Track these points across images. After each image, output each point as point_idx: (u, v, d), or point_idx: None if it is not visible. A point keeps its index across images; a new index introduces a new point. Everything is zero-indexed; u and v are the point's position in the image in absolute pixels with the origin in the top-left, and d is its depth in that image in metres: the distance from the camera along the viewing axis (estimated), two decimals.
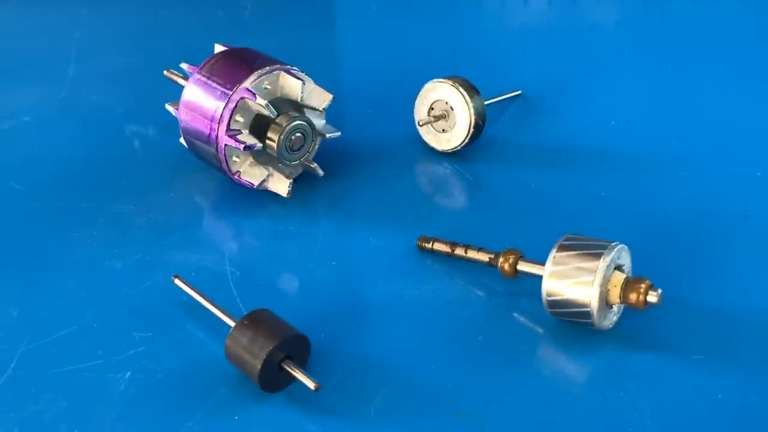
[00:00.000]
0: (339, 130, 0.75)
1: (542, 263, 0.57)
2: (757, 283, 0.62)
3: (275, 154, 0.71)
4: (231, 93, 0.69)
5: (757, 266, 0.64)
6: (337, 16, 1.26)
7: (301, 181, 0.76)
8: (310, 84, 0.73)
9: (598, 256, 0.54)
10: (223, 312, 0.57)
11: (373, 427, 0.51)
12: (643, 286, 0.54)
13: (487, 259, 0.62)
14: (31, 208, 0.75)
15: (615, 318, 0.57)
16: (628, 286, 0.55)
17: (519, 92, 0.92)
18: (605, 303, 0.55)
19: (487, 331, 0.59)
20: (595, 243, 0.56)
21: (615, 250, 0.55)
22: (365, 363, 0.56)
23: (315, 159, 0.75)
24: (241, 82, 0.69)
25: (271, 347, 0.51)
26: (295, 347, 0.53)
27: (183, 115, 0.73)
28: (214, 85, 0.71)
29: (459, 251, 0.64)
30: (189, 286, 0.60)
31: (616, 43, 1.11)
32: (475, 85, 0.78)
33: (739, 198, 0.73)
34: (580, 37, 1.13)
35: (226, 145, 0.69)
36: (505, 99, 0.90)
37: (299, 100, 0.71)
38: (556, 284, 0.55)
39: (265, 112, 0.70)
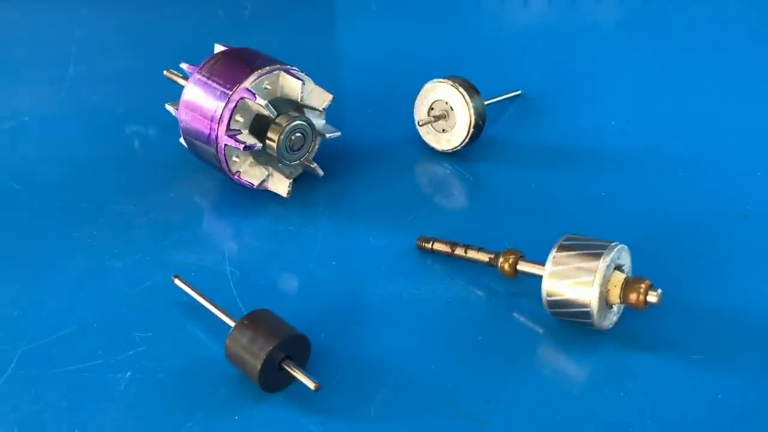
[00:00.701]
0: (339, 130, 0.75)
1: (542, 263, 0.57)
2: (757, 283, 0.62)
3: (275, 154, 0.71)
4: (231, 93, 0.69)
5: (757, 266, 0.64)
6: (337, 16, 1.25)
7: (301, 181, 0.76)
8: (310, 84, 0.73)
9: (598, 256, 0.54)
10: (223, 312, 0.57)
11: (373, 427, 0.51)
12: (643, 286, 0.54)
13: (487, 259, 0.62)
14: (31, 208, 0.75)
15: (615, 318, 0.57)
16: (628, 286, 0.55)
17: (519, 92, 0.92)
18: (605, 303, 0.55)
19: (487, 331, 0.59)
20: (595, 243, 0.56)
21: (615, 250, 0.55)
22: (365, 363, 0.56)
23: (315, 159, 0.75)
24: (241, 82, 0.69)
25: (271, 347, 0.51)
26: (295, 347, 0.53)
27: (183, 115, 0.73)
28: (214, 85, 0.71)
29: (459, 251, 0.64)
30: (189, 286, 0.60)
31: (616, 43, 1.11)
32: (475, 85, 0.78)
33: (739, 198, 0.73)
34: (580, 37, 1.13)
35: (226, 145, 0.69)
36: (505, 99, 0.90)
37: (299, 100, 0.71)
38: (556, 284, 0.55)
39: (265, 112, 0.69)
